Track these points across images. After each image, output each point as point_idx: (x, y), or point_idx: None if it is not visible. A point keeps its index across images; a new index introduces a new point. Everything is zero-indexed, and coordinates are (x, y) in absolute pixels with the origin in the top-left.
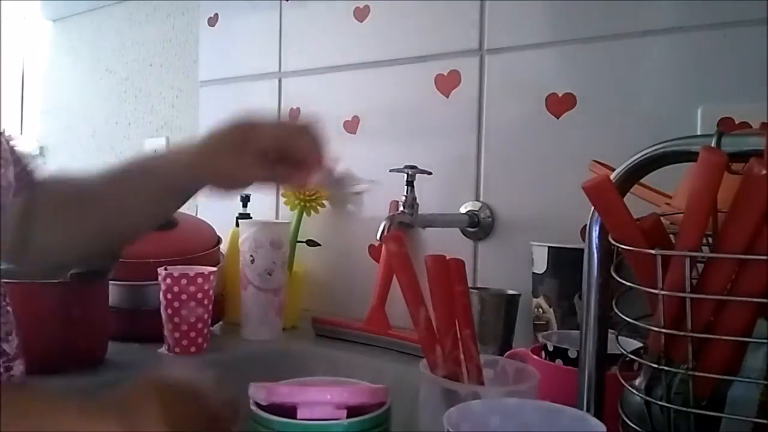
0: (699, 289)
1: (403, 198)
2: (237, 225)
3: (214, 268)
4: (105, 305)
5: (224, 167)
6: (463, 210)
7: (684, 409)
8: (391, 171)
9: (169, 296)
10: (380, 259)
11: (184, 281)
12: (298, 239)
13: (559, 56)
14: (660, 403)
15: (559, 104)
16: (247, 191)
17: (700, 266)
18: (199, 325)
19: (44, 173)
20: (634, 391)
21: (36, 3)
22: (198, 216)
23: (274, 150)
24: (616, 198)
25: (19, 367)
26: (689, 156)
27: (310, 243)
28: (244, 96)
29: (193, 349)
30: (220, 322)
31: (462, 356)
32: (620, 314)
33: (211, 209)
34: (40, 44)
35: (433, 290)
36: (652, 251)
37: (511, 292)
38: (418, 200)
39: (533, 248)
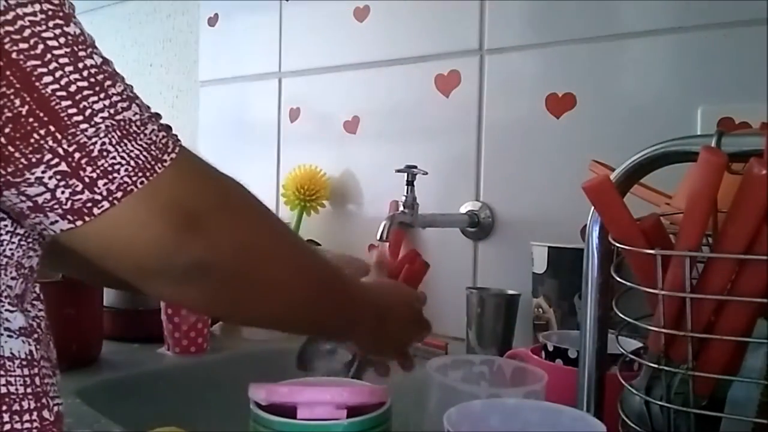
0: (699, 289)
1: (403, 198)
2: None
3: None
4: (99, 305)
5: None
6: (463, 210)
7: (684, 409)
8: (397, 171)
9: None
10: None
11: None
12: None
13: (559, 56)
14: (660, 403)
15: (559, 104)
16: None
17: (700, 266)
18: (199, 325)
19: None
20: (634, 391)
21: None
22: None
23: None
24: (616, 198)
25: (58, 375)
26: (689, 156)
27: (310, 243)
28: (244, 96)
29: (193, 349)
30: (220, 322)
31: None
32: (620, 314)
33: None
34: None
35: None
36: (652, 251)
37: (511, 292)
38: (418, 200)
39: (533, 248)
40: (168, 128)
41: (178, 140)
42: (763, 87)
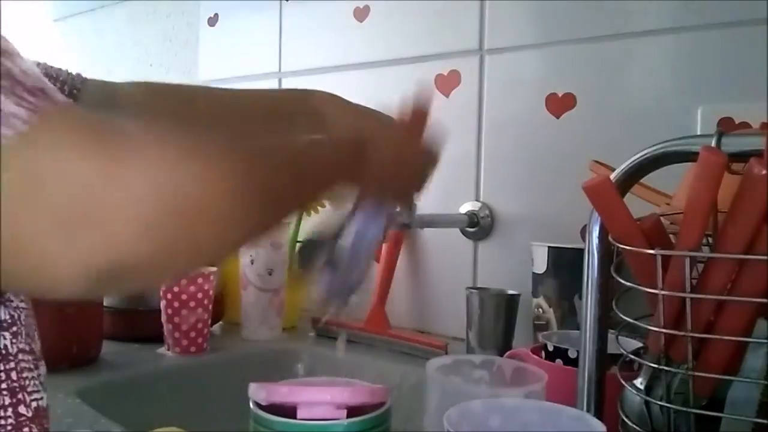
0: (699, 289)
1: None
2: None
3: (214, 268)
4: (99, 305)
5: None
6: (463, 210)
7: (684, 409)
8: None
9: (169, 296)
10: (380, 259)
11: (184, 281)
12: (298, 239)
13: (559, 56)
14: (660, 403)
15: (559, 104)
16: None
17: (700, 266)
18: (199, 325)
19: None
20: (634, 391)
21: (37, 3)
22: None
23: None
24: (616, 198)
25: (43, 368)
26: (689, 156)
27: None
28: None
29: (193, 349)
30: (220, 322)
31: None
32: (620, 314)
33: None
34: (41, 44)
35: None
36: (652, 251)
37: (511, 292)
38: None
39: (533, 248)
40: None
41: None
42: (763, 87)
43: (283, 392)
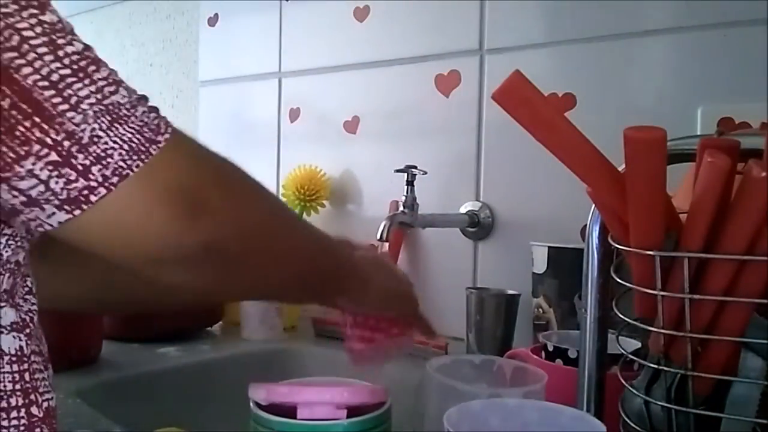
0: (698, 290)
1: (403, 198)
2: None
3: None
4: None
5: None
6: (463, 210)
7: (684, 409)
8: (397, 171)
9: None
10: None
11: None
12: None
13: (559, 56)
14: (660, 403)
15: (559, 104)
16: None
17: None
18: None
19: None
20: (634, 391)
21: None
22: None
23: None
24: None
25: (50, 369)
26: (689, 156)
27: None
28: (244, 96)
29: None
30: (220, 323)
31: None
32: (620, 314)
33: None
34: None
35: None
36: (651, 252)
37: (511, 292)
38: (418, 200)
39: (533, 248)
40: (157, 109)
41: (169, 121)
42: (763, 87)
43: (283, 392)
